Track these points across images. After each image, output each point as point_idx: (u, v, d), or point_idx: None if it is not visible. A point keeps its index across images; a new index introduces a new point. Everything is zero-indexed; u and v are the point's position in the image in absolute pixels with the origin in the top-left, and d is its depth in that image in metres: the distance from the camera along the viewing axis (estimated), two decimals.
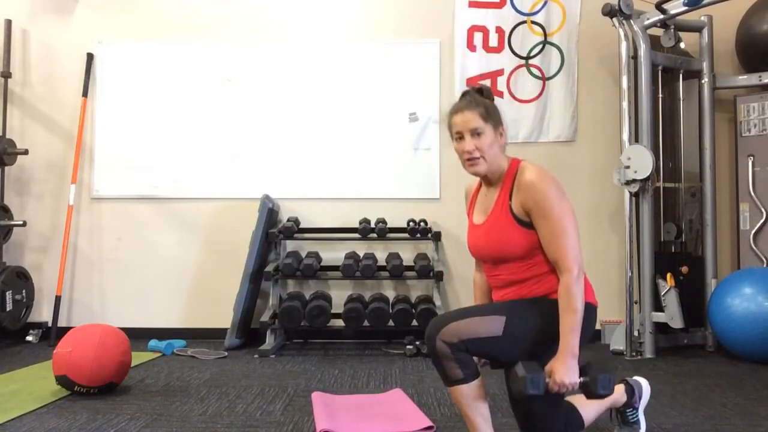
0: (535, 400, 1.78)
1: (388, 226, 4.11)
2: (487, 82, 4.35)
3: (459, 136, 1.90)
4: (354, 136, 4.41)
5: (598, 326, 4.19)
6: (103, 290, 4.41)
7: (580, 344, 1.78)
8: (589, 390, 1.79)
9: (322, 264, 4.17)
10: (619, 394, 2.15)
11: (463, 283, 4.30)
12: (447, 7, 4.43)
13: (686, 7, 3.77)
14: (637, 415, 2.18)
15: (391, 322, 3.84)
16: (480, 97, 1.92)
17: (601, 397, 1.79)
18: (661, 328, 3.79)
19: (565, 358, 1.74)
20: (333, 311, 3.94)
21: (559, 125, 4.40)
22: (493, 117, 1.90)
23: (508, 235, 1.87)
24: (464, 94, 1.95)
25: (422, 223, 4.14)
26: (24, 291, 4.17)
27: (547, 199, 1.80)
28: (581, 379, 1.77)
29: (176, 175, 4.42)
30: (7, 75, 4.36)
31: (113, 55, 4.48)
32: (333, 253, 4.28)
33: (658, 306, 3.78)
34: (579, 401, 2.03)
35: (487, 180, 1.97)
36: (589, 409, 2.05)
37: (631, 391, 2.17)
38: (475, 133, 1.87)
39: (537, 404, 1.87)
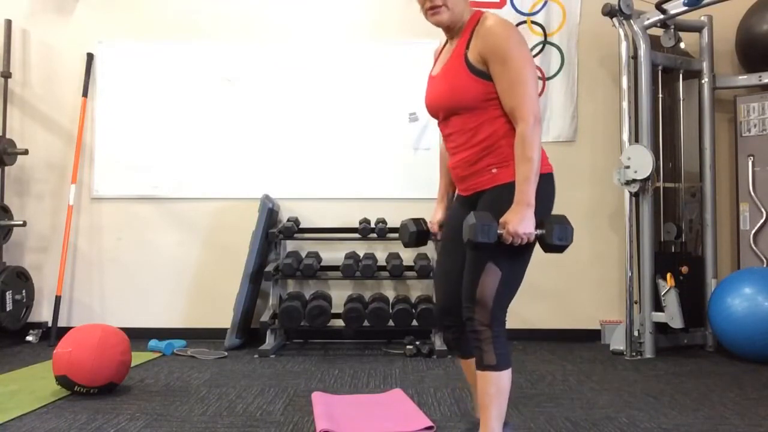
0: (492, 260, 1.71)
1: (388, 226, 4.10)
2: None
3: None
4: (354, 136, 4.41)
5: (597, 326, 4.21)
6: (103, 290, 4.41)
7: (542, 217, 1.73)
8: (545, 242, 1.72)
9: (322, 264, 4.16)
10: None
11: None
12: None
13: (686, 7, 3.77)
14: None
15: (391, 322, 3.84)
16: None
17: (558, 248, 1.73)
18: (661, 328, 3.78)
19: (519, 207, 1.70)
20: (333, 311, 3.94)
21: (559, 125, 4.39)
22: None
23: (460, 82, 1.82)
24: None
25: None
26: (24, 291, 4.17)
27: (506, 44, 1.76)
28: (537, 231, 1.72)
29: (176, 175, 4.42)
30: (7, 75, 4.36)
31: (113, 55, 4.47)
32: (333, 253, 4.28)
33: (658, 306, 3.78)
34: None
35: (449, 32, 1.94)
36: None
37: None
38: None
39: (491, 264, 1.76)
